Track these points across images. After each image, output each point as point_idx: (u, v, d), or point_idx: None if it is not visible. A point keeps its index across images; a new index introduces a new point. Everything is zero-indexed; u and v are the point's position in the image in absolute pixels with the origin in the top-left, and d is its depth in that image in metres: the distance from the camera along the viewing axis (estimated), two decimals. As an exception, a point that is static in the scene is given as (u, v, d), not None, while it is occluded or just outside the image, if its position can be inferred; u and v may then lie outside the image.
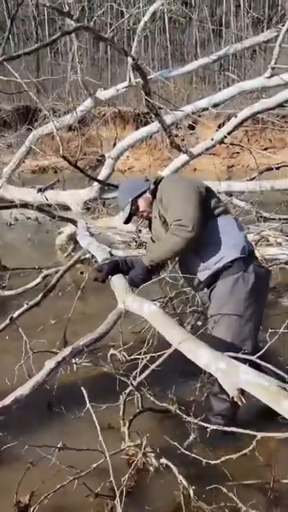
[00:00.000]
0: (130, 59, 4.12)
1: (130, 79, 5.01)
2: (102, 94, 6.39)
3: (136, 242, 4.61)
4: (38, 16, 21.66)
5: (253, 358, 1.35)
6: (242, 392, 1.20)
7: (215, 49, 15.55)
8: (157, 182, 2.27)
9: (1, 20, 17.32)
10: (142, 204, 2.30)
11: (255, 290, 2.04)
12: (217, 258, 2.05)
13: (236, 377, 1.20)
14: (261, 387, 1.14)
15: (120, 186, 2.49)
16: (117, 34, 10.74)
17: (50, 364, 1.56)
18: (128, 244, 4.93)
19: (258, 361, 1.34)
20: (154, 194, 2.24)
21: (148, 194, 2.29)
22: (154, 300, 2.87)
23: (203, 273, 2.10)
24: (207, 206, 2.09)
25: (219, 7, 24.07)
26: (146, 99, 4.07)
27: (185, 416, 1.94)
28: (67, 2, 5.18)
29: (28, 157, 8.98)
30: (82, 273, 4.39)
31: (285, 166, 6.45)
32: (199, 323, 2.62)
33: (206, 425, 1.70)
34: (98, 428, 1.75)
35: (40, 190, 7.20)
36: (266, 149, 12.09)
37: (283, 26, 4.67)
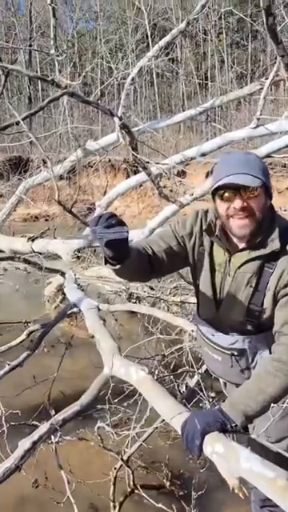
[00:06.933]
0: (116, 119, 4.17)
1: (118, 136, 5.09)
2: (92, 145, 6.47)
3: (126, 292, 4.49)
4: (32, 72, 22.63)
5: (254, 436, 1.19)
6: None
7: (201, 101, 16.20)
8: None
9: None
10: (260, 202, 1.38)
11: None
12: None
13: (236, 463, 1.04)
14: (265, 479, 0.96)
15: (249, 153, 1.47)
16: (107, 88, 11.14)
17: (24, 444, 1.36)
18: (118, 294, 4.81)
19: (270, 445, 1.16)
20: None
21: (271, 208, 1.45)
22: (147, 358, 2.72)
23: None
24: None
25: (204, 62, 25.39)
26: (132, 154, 4.09)
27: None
28: (57, 60, 5.31)
29: (20, 205, 9.01)
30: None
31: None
32: (193, 382, 2.45)
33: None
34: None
35: (30, 239, 7.15)
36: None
37: (267, 79, 4.82)
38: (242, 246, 1.44)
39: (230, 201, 1.36)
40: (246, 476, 1.01)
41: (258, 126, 4.80)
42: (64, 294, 4.48)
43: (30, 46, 21.63)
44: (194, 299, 3.80)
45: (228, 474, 1.04)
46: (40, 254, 6.09)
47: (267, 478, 0.96)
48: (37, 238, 7.18)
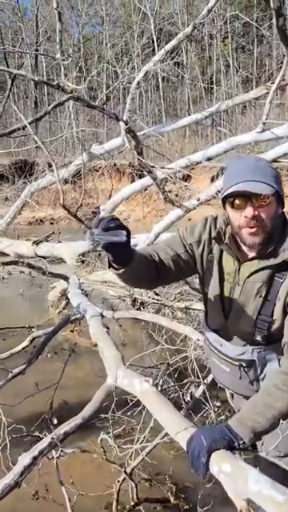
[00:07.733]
0: (122, 124, 4.14)
1: (123, 140, 5.07)
2: (97, 149, 6.46)
3: (130, 297, 4.45)
4: (37, 76, 22.79)
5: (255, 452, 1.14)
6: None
7: (207, 105, 16.20)
8: None
9: (2, 80, 18.20)
10: (272, 210, 1.32)
11: None
12: None
13: (244, 484, 0.99)
14: (274, 502, 0.91)
15: (259, 159, 1.39)
16: (112, 92, 11.15)
17: (24, 460, 1.31)
18: (122, 299, 4.77)
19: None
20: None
21: (282, 216, 1.38)
22: (151, 367, 2.67)
23: None
24: None
25: (210, 67, 25.41)
26: (138, 159, 4.06)
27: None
28: (63, 64, 5.31)
29: (25, 208, 9.01)
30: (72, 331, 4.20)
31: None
32: (198, 392, 2.40)
33: None
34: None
35: (35, 243, 7.13)
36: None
37: (273, 83, 4.78)
38: (251, 254, 1.38)
39: (241, 209, 1.31)
40: (254, 498, 0.96)
41: (263, 131, 4.77)
42: (68, 299, 4.45)
43: (37, 50, 21.79)
44: (198, 305, 3.75)
45: (235, 494, 0.99)
46: (44, 258, 6.07)
47: (277, 502, 0.91)
48: (41, 241, 7.18)
